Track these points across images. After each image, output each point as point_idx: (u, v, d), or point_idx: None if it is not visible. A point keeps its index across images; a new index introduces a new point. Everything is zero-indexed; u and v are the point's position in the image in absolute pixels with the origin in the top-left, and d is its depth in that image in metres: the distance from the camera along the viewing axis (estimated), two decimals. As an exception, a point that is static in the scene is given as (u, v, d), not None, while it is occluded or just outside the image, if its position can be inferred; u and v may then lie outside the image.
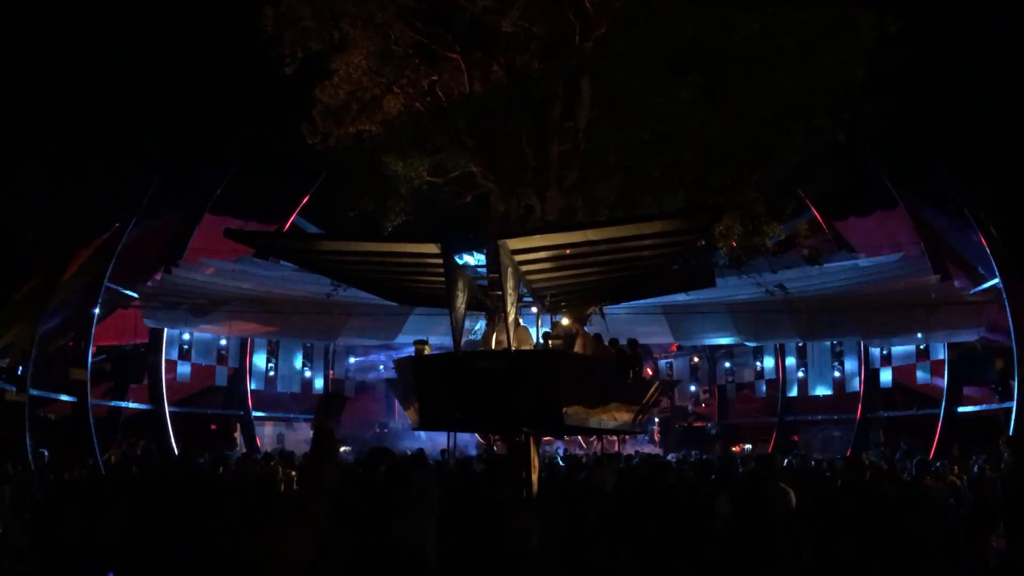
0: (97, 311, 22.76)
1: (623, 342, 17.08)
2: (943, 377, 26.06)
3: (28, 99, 23.93)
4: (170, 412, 26.92)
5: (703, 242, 15.42)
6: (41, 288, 18.49)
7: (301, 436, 32.97)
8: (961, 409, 25.66)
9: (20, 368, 19.23)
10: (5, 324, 15.91)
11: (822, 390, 33.14)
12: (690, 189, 15.07)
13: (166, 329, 27.12)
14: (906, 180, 26.25)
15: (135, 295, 24.97)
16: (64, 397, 22.26)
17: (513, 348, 14.10)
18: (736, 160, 14.97)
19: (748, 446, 31.20)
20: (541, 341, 15.15)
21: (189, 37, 29.78)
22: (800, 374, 34.00)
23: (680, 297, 22.42)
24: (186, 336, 29.41)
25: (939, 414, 25.51)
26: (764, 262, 16.64)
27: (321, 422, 2.72)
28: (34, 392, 20.08)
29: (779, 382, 34.24)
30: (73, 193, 20.79)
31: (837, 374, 32.52)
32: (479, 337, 17.45)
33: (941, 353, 26.44)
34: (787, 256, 17.76)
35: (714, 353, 37.00)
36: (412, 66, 17.04)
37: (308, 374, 34.80)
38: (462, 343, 14.85)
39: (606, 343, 16.80)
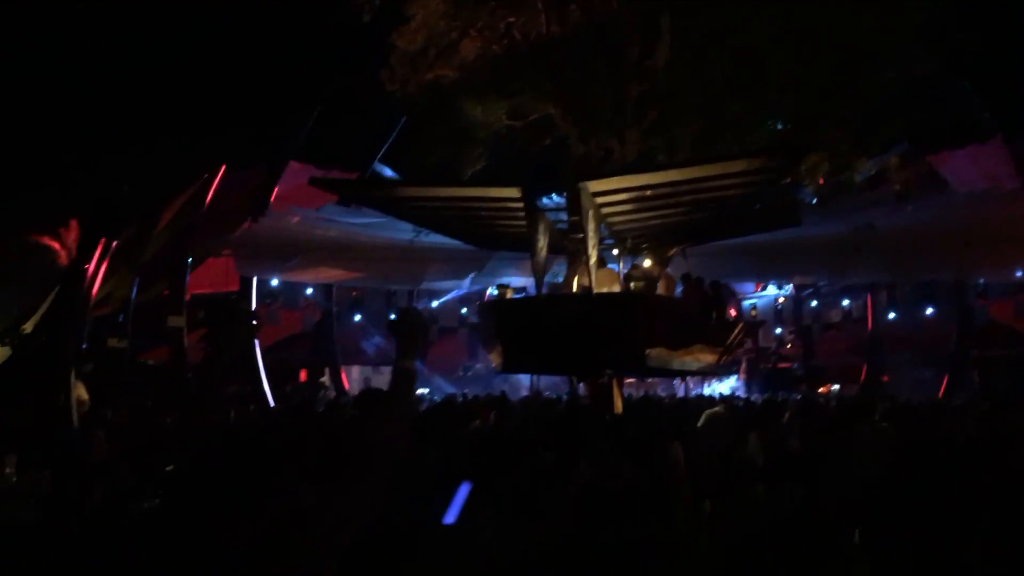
0: (190, 260, 23.54)
1: (706, 284, 16.93)
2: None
3: (119, 50, 24.56)
4: (261, 358, 27.79)
5: (788, 180, 15.07)
6: (137, 237, 19.17)
7: (387, 380, 33.71)
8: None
9: (120, 316, 20.06)
10: (106, 274, 16.59)
11: (913, 329, 32.29)
12: (773, 127, 14.71)
13: (255, 277, 27.88)
14: (1004, 111, 25.06)
15: (225, 244, 25.70)
16: (162, 344, 23.17)
17: (596, 290, 14.13)
18: (822, 96, 14.52)
19: (835, 387, 30.70)
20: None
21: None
22: (890, 314, 33.18)
23: (764, 236, 22.00)
24: (274, 283, 30.23)
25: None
26: (852, 199, 16.19)
27: (400, 361, 2.50)
28: (134, 340, 20.93)
29: (867, 322, 33.48)
30: (165, 144, 21.37)
31: (929, 312, 31.64)
32: (560, 280, 17.49)
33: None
34: (876, 193, 17.21)
35: (799, 293, 36.34)
36: (488, 9, 16.91)
37: (392, 318, 35.40)
38: (544, 286, 14.96)
39: (689, 282, 16.69)
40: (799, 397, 23.46)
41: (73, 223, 18.97)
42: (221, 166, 24.01)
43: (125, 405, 16.03)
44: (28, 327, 14.69)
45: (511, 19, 17.32)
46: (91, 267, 14.27)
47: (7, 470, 7.27)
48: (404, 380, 2.46)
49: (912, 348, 31.84)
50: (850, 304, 34.99)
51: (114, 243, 16.44)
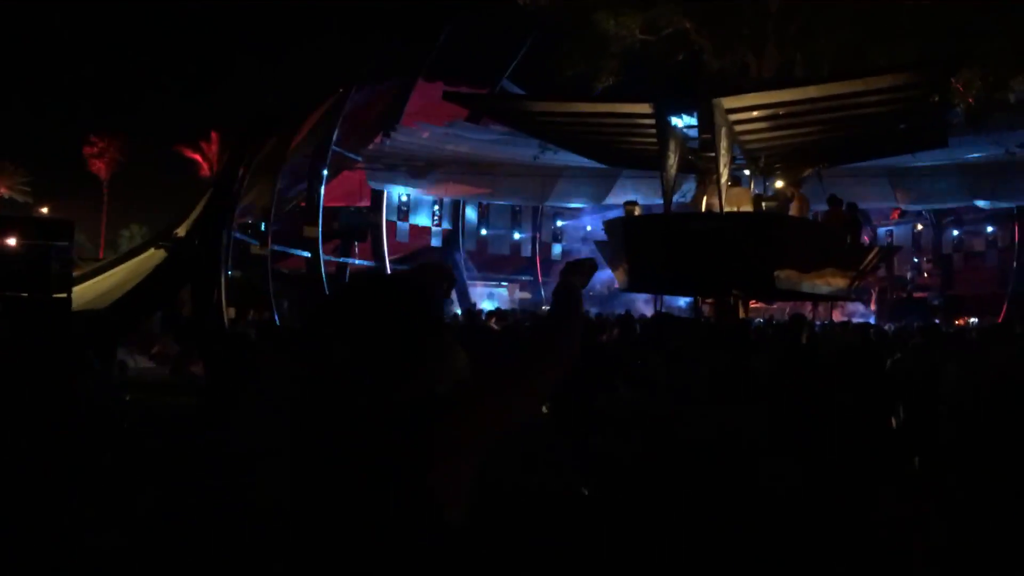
0: (326, 172, 24.31)
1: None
2: None
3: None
4: (390, 269, 28.67)
5: (936, 98, 14.32)
6: (277, 149, 19.90)
7: (512, 296, 34.33)
8: None
9: (263, 224, 21.00)
10: (248, 184, 17.39)
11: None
12: (925, 39, 13.92)
13: (386, 191, 28.58)
14: None
15: (359, 158, 26.37)
16: (300, 252, 24.18)
17: (727, 210, 13.95)
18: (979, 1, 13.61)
19: (974, 320, 29.41)
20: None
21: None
22: (1040, 244, 31.33)
23: (906, 158, 21.03)
24: (404, 198, 30.92)
25: None
26: (1005, 118, 15.24)
27: (568, 279, 2.30)
28: (274, 247, 21.92)
29: (1014, 252, 31.73)
30: (302, 59, 21.97)
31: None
32: (688, 199, 17.28)
33: None
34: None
35: (941, 220, 34.68)
36: (625, -82, 16.49)
37: (517, 236, 35.86)
38: (672, 205, 14.84)
39: (833, 203, 16.20)
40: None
41: (214, 135, 19.85)
42: (355, 81, 24.48)
43: (267, 310, 16.93)
44: (180, 232, 15.62)
45: (647, -72, 16.86)
46: (235, 177, 15.02)
47: (192, 369, 7.87)
48: (569, 300, 2.23)
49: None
50: (995, 232, 33.19)
51: (257, 155, 17.20)
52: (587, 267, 2.37)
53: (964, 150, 22.49)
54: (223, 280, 12.83)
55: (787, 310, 29.26)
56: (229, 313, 12.97)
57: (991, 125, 15.74)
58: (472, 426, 1.81)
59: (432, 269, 2.45)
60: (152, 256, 15.99)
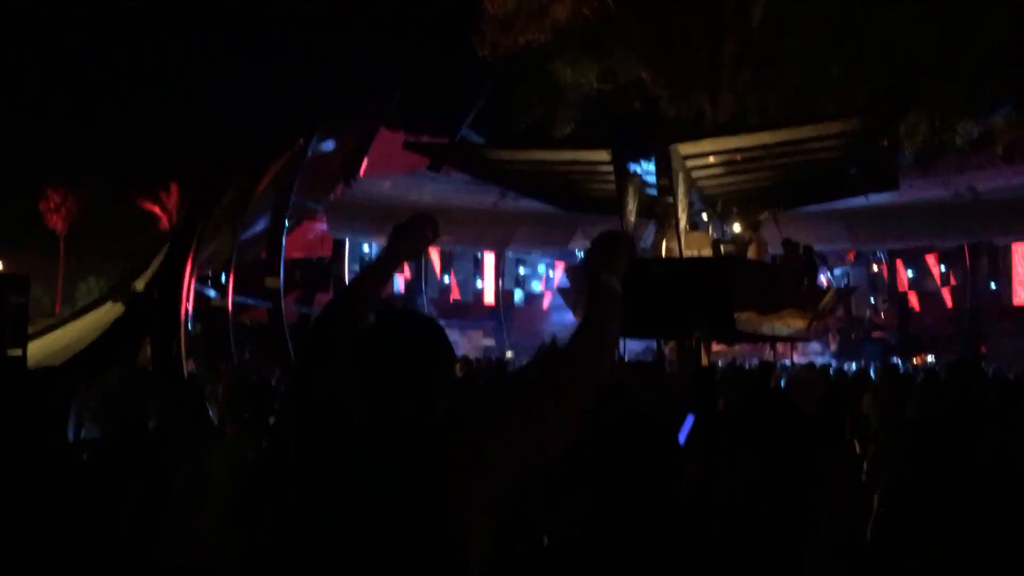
0: (287, 222, 24.25)
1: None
2: None
3: (224, 21, 25.27)
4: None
5: (885, 142, 14.71)
6: (238, 200, 19.82)
7: (474, 343, 34.28)
8: None
9: (223, 275, 20.83)
10: (209, 234, 17.30)
11: (1015, 298, 31.16)
12: (873, 85, 14.34)
13: (348, 240, 28.58)
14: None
15: (320, 207, 26.39)
16: (259, 304, 23.97)
17: (687, 254, 14.13)
18: (925, 49, 14.05)
19: (931, 358, 29.88)
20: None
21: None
22: (991, 283, 32.07)
23: (859, 200, 21.50)
24: (365, 248, 30.91)
25: None
26: (953, 161, 15.70)
27: (597, 274, 1.92)
28: (234, 299, 21.71)
29: (967, 290, 32.42)
30: (263, 109, 22.03)
31: (1033, 281, 30.46)
32: (648, 244, 17.48)
33: None
34: (980, 155, 16.62)
35: (895, 261, 35.36)
36: (581, -30, 16.84)
37: (480, 284, 35.94)
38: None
39: (780, 244, 16.49)
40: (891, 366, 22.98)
41: (173, 186, 19.75)
42: (316, 130, 24.56)
43: (227, 363, 16.71)
44: (139, 285, 15.45)
45: (603, -20, 17.24)
46: (195, 229, 14.94)
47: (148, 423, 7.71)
48: (607, 303, 1.90)
49: (1014, 317, 30.74)
50: (948, 271, 33.90)
51: (217, 206, 17.13)
52: (621, 243, 1.96)
53: (915, 192, 23.07)
54: (183, 333, 12.69)
55: (748, 351, 29.56)
56: (189, 366, 12.81)
57: (940, 167, 16.18)
58: (494, 443, 1.66)
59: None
60: (110, 310, 15.80)
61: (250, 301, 23.32)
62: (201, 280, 19.62)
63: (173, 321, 12.83)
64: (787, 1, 14.85)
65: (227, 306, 20.05)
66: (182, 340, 12.50)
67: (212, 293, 20.22)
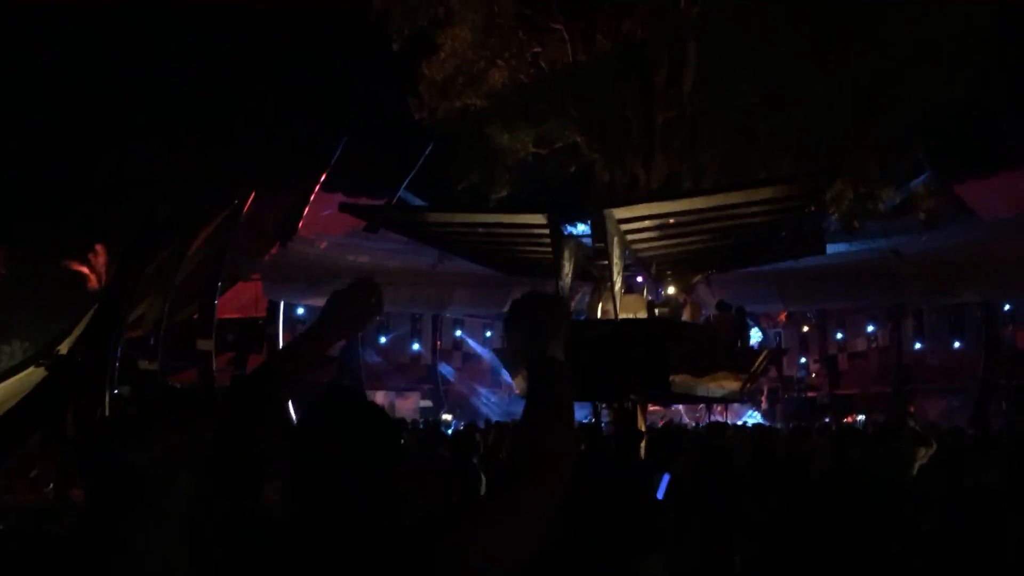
0: (220, 284, 23.84)
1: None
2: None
3: (157, 77, 25.10)
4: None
5: (813, 208, 15.14)
6: (170, 261, 19.46)
7: (410, 404, 33.93)
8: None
9: (152, 338, 20.31)
10: (139, 296, 16.90)
11: (940, 357, 32.06)
12: (799, 153, 14.80)
13: (283, 302, 28.17)
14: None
15: (255, 269, 26.03)
16: (191, 367, 23.40)
17: (622, 316, 14.23)
18: (849, 120, 14.61)
19: (861, 417, 30.45)
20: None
21: (301, 17, 30.61)
22: (916, 342, 32.96)
23: (791, 263, 22.03)
24: (300, 311, 30.52)
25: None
26: (877, 227, 16.22)
27: (545, 347, 1.77)
28: (163, 362, 21.17)
29: (893, 350, 33.26)
30: (198, 171, 21.79)
31: (956, 342, 31.40)
32: (584, 306, 17.60)
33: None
34: (902, 220, 17.21)
35: (825, 322, 36.16)
36: (516, 38, 17.17)
37: (416, 347, 35.73)
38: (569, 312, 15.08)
39: (714, 307, 16.75)
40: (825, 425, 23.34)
41: (100, 248, 19.34)
42: (251, 191, 24.36)
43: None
44: (63, 348, 14.97)
45: (538, 48, 17.58)
46: (125, 289, 14.56)
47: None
48: (555, 375, 1.78)
49: (939, 377, 31.58)
50: (876, 331, 34.78)
51: (148, 266, 16.76)
52: (559, 309, 1.82)
53: (842, 257, 23.74)
54: (108, 398, 12.28)
55: (682, 412, 29.78)
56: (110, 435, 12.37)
57: (866, 233, 16.69)
58: (472, 552, 1.54)
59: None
60: (33, 374, 15.24)
61: (179, 364, 22.77)
62: (130, 343, 19.09)
63: (99, 386, 12.42)
64: (717, 70, 15.30)
65: (156, 369, 19.54)
66: (106, 405, 12.08)
67: (142, 357, 19.66)
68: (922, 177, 17.76)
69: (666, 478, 5.62)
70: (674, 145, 15.99)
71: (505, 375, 20.26)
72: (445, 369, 35.93)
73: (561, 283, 14.26)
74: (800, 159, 14.79)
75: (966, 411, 28.05)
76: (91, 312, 15.66)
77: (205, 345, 22.59)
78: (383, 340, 34.64)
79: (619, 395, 14.81)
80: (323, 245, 26.89)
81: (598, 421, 16.27)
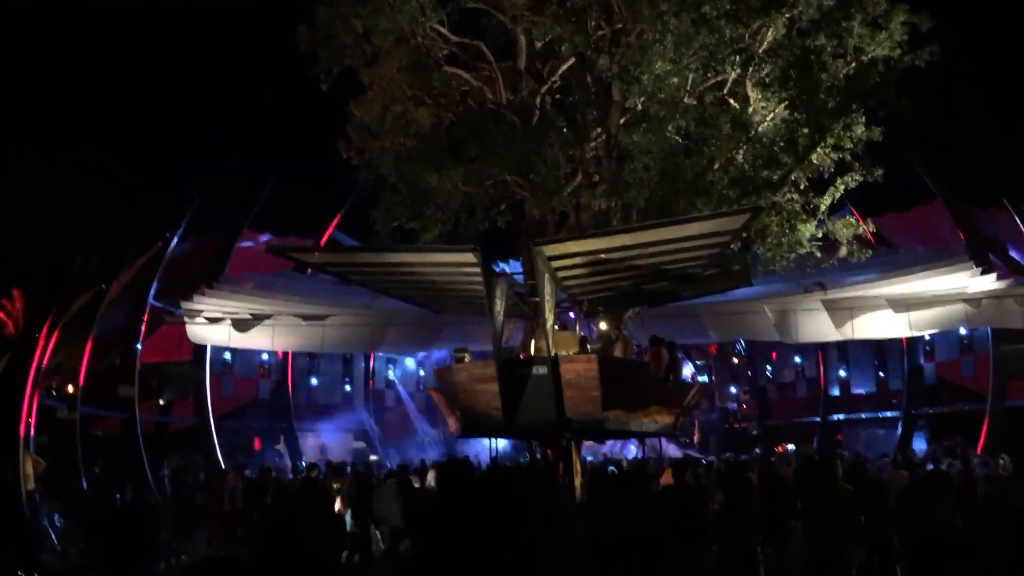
0: (143, 328, 23.23)
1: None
2: (989, 372, 25.69)
3: (73, 119, 24.49)
4: (215, 425, 27.32)
5: (739, 244, 15.42)
6: (89, 307, 18.90)
7: (344, 446, 33.38)
8: (1009, 403, 25.27)
9: (70, 386, 19.68)
10: (56, 344, 16.33)
11: (864, 388, 32.90)
12: (724, 191, 15.08)
13: (210, 345, 27.51)
14: (944, 174, 26.00)
15: (179, 312, 25.42)
16: (113, 414, 22.72)
17: (554, 353, 14.22)
18: (772, 160, 14.97)
19: (791, 447, 30.96)
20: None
21: (228, 55, 30.34)
22: (842, 372, 33.76)
23: (719, 297, 22.37)
24: (227, 355, 29.88)
25: (985, 409, 25.16)
26: (802, 260, 16.59)
27: None
28: (84, 410, 20.50)
29: (820, 381, 33.99)
30: (118, 213, 21.26)
31: (880, 372, 32.27)
32: (517, 343, 17.57)
33: (986, 347, 26.08)
34: (824, 254, 17.66)
35: (754, 354, 36.79)
36: (444, 78, 17.21)
37: (348, 388, 35.25)
38: (502, 349, 15.00)
39: (646, 341, 16.87)
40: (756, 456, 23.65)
41: (16, 293, 18.71)
42: (174, 233, 23.88)
43: (76, 477, 15.66)
44: (-26, 399, 14.35)
45: (466, 88, 17.65)
46: (41, 337, 14.06)
47: None
48: None
49: (864, 406, 32.37)
50: (802, 363, 35.51)
51: (65, 313, 16.25)
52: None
53: (768, 290, 24.22)
54: (20, 450, 11.76)
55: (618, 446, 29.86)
56: (27, 484, 11.84)
57: (790, 266, 17.00)
58: None
59: None
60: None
61: (100, 412, 22.07)
62: (47, 391, 18.45)
63: (11, 439, 11.90)
64: (641, 112, 15.54)
65: (75, 418, 18.89)
66: (21, 456, 11.57)
67: (60, 405, 19.01)
68: (841, 212, 18.27)
69: None
70: (602, 184, 16.15)
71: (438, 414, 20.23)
72: (378, 409, 35.55)
73: (493, 321, 14.20)
74: (725, 197, 15.07)
75: (891, 439, 28.77)
76: (3, 361, 15.06)
77: (127, 391, 21.94)
78: (313, 381, 34.11)
79: (554, 432, 14.75)
80: (250, 286, 26.43)
81: (534, 459, 16.20)
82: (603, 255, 13.33)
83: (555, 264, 13.63)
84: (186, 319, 25.57)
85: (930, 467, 16.73)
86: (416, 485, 14.03)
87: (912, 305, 23.65)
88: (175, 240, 24.03)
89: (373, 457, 30.21)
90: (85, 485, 17.71)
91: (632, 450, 29.52)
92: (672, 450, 28.92)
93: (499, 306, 14.48)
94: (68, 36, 25.37)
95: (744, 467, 12.86)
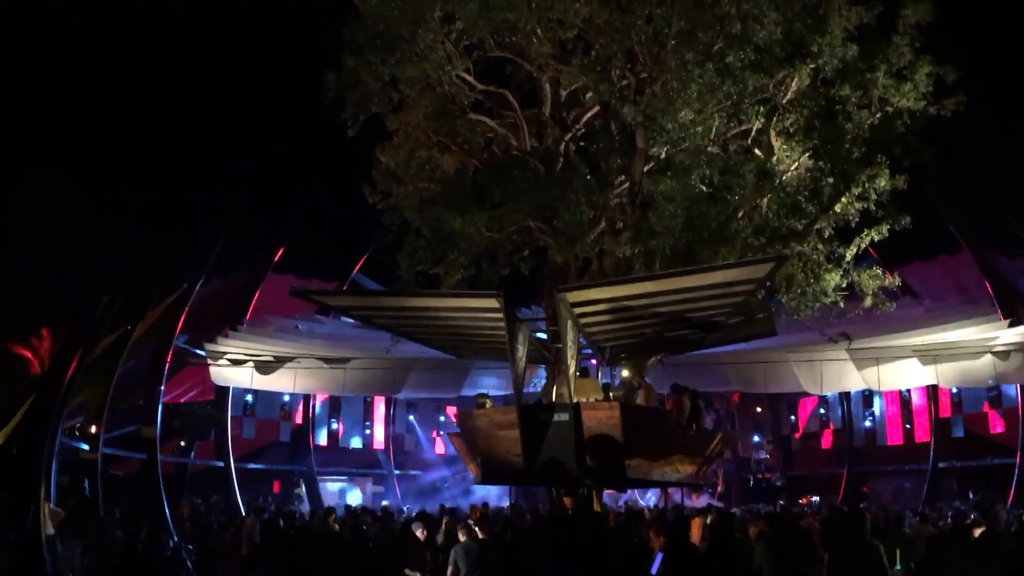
0: (166, 369, 23.34)
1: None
2: (1018, 425, 25.25)
3: (102, 159, 24.83)
4: (235, 468, 27.29)
5: (763, 293, 15.32)
6: (114, 348, 19.04)
7: (364, 490, 33.22)
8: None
9: (93, 427, 19.76)
10: (80, 383, 16.45)
11: (891, 439, 32.39)
12: (749, 239, 15.04)
13: (232, 386, 27.60)
14: (971, 224, 25.82)
15: (203, 353, 25.55)
16: (134, 455, 22.75)
17: (576, 399, 14.11)
18: (796, 209, 14.94)
19: (816, 498, 30.46)
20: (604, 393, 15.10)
21: (255, 97, 30.80)
22: (867, 423, 33.29)
23: (742, 346, 22.20)
24: (249, 397, 29.96)
25: (1015, 463, 24.68)
26: (827, 310, 16.48)
27: None
28: (105, 451, 20.55)
29: (845, 432, 33.52)
30: (145, 255, 21.46)
31: (907, 424, 31.78)
32: (540, 390, 17.47)
33: (1014, 399, 25.66)
34: (850, 304, 17.55)
35: (777, 404, 36.38)
36: (469, 124, 17.38)
37: (369, 431, 35.17)
38: (523, 396, 14.91)
39: (667, 389, 16.71)
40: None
41: (45, 332, 18.87)
42: (200, 275, 24.07)
43: (96, 518, 15.63)
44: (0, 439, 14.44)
45: (491, 134, 17.81)
46: (66, 377, 14.15)
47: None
48: None
49: (891, 458, 31.84)
50: (827, 414, 35.07)
51: (89, 354, 16.36)
52: None
53: (793, 339, 24.02)
54: (43, 490, 11.77)
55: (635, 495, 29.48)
56: (47, 528, 11.82)
57: (816, 316, 16.88)
58: None
59: None
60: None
61: (121, 453, 22.11)
62: (70, 432, 18.52)
63: (34, 477, 11.91)
64: (666, 160, 15.62)
65: (97, 459, 18.93)
66: (41, 500, 11.56)
67: (82, 446, 19.08)
68: (867, 262, 18.16)
69: (659, 556, 6.85)
70: (625, 231, 16.16)
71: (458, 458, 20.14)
72: (399, 453, 35.39)
73: (515, 367, 14.14)
74: (749, 246, 15.03)
75: (918, 491, 28.24)
76: (28, 401, 15.15)
77: (149, 432, 22.00)
78: (334, 425, 34.07)
79: (575, 480, 14.59)
80: (273, 328, 26.56)
81: (555, 507, 16.00)
82: (626, 302, 13.27)
83: (577, 310, 13.59)
84: (209, 360, 25.71)
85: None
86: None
87: (940, 357, 23.36)
88: (200, 282, 24.22)
89: (384, 502, 30.08)
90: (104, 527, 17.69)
91: (651, 499, 29.18)
92: (702, 500, 28.58)
93: (521, 352, 14.42)
94: (91, 71, 25.81)
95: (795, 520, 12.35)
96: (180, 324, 23.87)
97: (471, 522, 13.21)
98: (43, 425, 13.40)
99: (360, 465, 34.18)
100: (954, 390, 27.98)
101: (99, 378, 19.09)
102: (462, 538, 11.44)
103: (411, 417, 36.17)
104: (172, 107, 28.97)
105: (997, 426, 27.98)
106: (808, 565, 9.58)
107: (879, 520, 15.54)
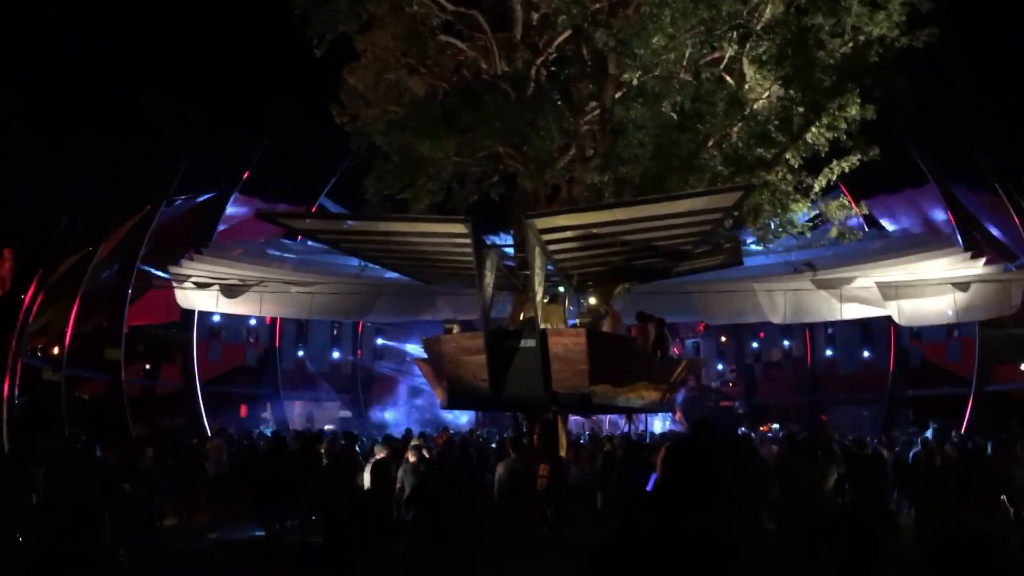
0: (130, 291, 23.09)
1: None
2: (974, 356, 25.85)
3: (63, 81, 24.16)
4: (201, 391, 27.27)
5: (731, 222, 15.38)
6: (76, 269, 18.77)
7: (331, 415, 33.39)
8: (991, 388, 25.46)
9: (56, 348, 19.58)
10: (42, 305, 16.22)
11: (850, 369, 33.07)
12: (718, 168, 15.02)
13: (197, 309, 27.40)
14: (938, 158, 25.98)
15: (167, 276, 25.28)
16: (99, 376, 22.63)
17: (543, 326, 14.20)
18: (766, 138, 14.89)
19: (776, 425, 31.15)
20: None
21: (221, 18, 29.95)
22: (828, 353, 33.93)
23: (708, 276, 22.36)
24: (216, 317, 29.77)
25: (969, 393, 25.34)
26: (792, 240, 16.59)
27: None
28: (69, 372, 20.41)
29: (807, 361, 34.17)
30: (108, 175, 21.01)
31: (866, 353, 32.42)
32: (506, 315, 17.53)
33: (971, 332, 26.21)
34: (815, 234, 17.68)
35: (742, 333, 36.89)
36: (439, 47, 17.04)
37: (336, 355, 35.23)
38: (490, 322, 14.98)
39: (634, 318, 16.86)
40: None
41: (7, 252, 18.55)
42: (164, 197, 23.67)
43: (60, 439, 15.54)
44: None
45: (461, 57, 17.48)
46: (28, 297, 13.96)
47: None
48: None
49: (850, 387, 32.55)
50: (790, 345, 35.66)
51: (51, 274, 16.12)
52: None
53: (759, 270, 24.24)
54: (4, 409, 11.71)
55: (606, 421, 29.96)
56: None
57: (781, 246, 17.04)
58: None
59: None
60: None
61: (87, 374, 21.97)
62: (33, 352, 18.35)
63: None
64: (637, 86, 15.45)
65: (60, 380, 18.81)
66: (4, 415, 11.51)
67: (45, 366, 18.92)
68: (833, 193, 18.22)
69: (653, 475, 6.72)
70: (595, 158, 16.06)
71: (426, 385, 20.29)
72: (366, 379, 35.49)
73: (483, 293, 14.17)
74: (718, 174, 15.02)
75: (876, 421, 28.94)
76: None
77: (113, 354, 21.85)
78: (301, 352, 34.10)
79: (540, 406, 14.77)
80: (238, 251, 26.28)
81: (519, 433, 16.23)
82: (594, 229, 13.29)
83: (546, 237, 13.59)
84: (174, 283, 25.44)
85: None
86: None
87: (901, 291, 23.67)
88: (164, 203, 23.83)
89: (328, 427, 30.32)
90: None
91: (621, 424, 29.65)
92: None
93: (489, 278, 14.45)
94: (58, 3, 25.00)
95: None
96: (144, 246, 23.55)
97: (416, 443, 13.34)
98: (3, 343, 13.26)
99: (328, 389, 34.33)
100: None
101: (62, 299, 18.85)
102: (411, 459, 11.64)
103: (380, 340, 36.28)
104: (138, 27, 28.13)
105: (954, 357, 28.62)
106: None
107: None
